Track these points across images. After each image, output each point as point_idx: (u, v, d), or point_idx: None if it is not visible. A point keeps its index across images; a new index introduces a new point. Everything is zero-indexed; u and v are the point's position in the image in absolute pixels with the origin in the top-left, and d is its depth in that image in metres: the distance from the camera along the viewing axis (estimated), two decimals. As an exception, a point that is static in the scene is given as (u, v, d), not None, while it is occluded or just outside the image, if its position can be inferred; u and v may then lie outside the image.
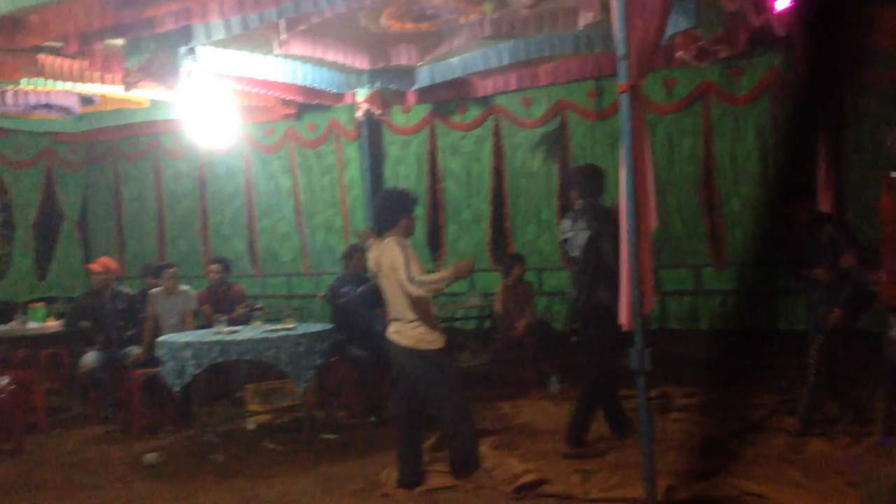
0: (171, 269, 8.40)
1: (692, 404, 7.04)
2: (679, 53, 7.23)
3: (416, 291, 5.19)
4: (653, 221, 4.85)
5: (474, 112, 9.61)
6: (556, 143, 9.18)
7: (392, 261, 5.29)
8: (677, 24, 6.73)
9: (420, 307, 5.32)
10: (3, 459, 6.83)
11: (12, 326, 9.15)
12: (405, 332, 5.36)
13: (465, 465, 5.41)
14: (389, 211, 5.47)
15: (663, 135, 8.52)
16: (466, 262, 5.29)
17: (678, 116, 8.50)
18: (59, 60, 7.25)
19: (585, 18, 6.57)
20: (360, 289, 7.77)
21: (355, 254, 8.03)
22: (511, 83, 9.11)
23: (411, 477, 5.46)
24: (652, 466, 4.76)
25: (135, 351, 8.09)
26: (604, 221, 5.87)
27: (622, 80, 4.74)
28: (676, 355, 7.63)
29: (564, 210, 9.14)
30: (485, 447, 6.04)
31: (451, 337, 8.85)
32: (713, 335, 8.23)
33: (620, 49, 4.69)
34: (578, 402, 6.10)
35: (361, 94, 9.02)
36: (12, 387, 7.25)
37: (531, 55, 7.86)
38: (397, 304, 5.37)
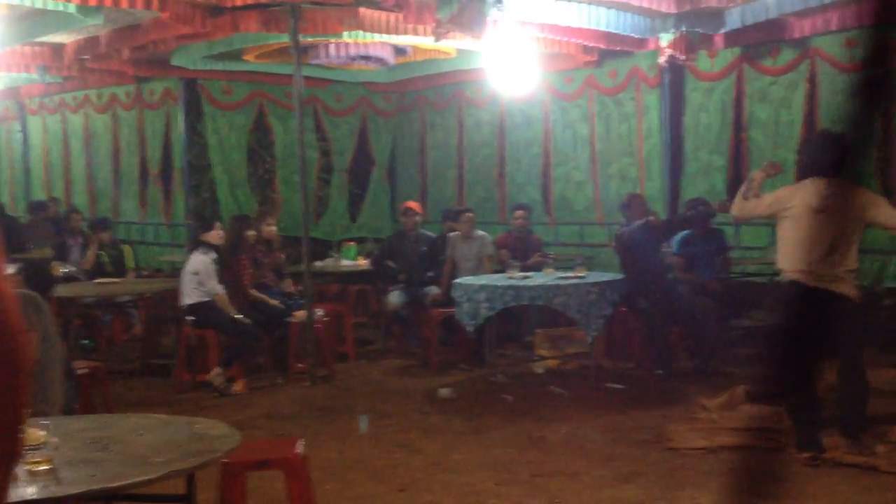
0: (468, 214, 8.72)
1: None
2: None
3: None
4: None
5: (788, 55, 8.95)
6: (881, 88, 8.34)
7: (868, 206, 5.04)
8: None
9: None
10: (317, 383, 7.50)
11: (327, 263, 9.96)
12: (848, 279, 5.13)
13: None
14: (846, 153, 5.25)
15: None
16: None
17: None
18: (377, 13, 7.68)
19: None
20: (636, 223, 7.58)
21: (634, 202, 7.87)
22: (832, 23, 8.36)
23: (812, 443, 5.12)
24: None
25: (434, 291, 8.52)
26: None
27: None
28: None
29: (882, 162, 8.34)
30: (780, 409, 5.73)
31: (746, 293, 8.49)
32: None
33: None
34: None
35: (665, 39, 8.70)
36: (326, 318, 7.92)
37: (857, -9, 7.17)
38: (846, 251, 5.09)
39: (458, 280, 7.57)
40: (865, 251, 8.42)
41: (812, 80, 8.80)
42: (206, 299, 7.31)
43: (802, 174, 5.47)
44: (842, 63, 8.54)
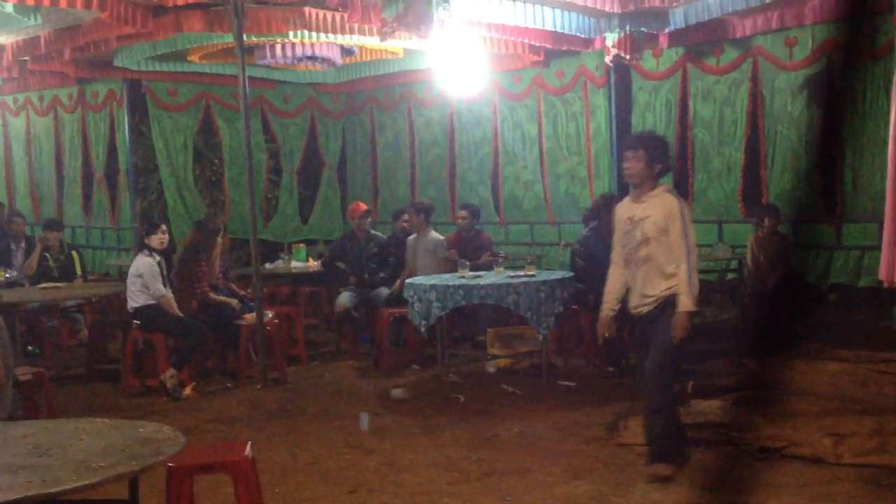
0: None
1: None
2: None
3: None
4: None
5: (730, 54, 9.10)
6: (821, 86, 8.51)
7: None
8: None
9: None
10: (268, 386, 7.42)
11: (277, 265, 9.86)
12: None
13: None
14: (655, 145, 4.91)
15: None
16: None
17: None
18: (322, 13, 7.64)
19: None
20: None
21: (613, 204, 7.83)
22: (773, 22, 8.53)
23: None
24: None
25: (385, 292, 8.48)
26: None
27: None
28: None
29: (825, 159, 8.50)
30: (729, 404, 5.84)
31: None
32: None
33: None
34: None
35: (611, 39, 8.78)
36: (277, 320, 7.84)
37: (796, -9, 7.30)
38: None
39: (409, 280, 7.55)
40: (810, 246, 8.63)
41: (754, 79, 8.95)
42: (152, 302, 7.20)
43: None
44: (783, 61, 8.70)
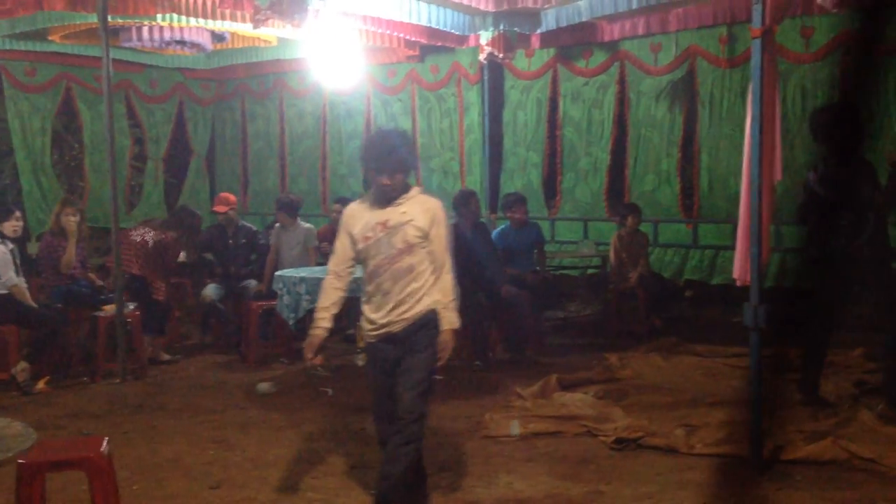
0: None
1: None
2: (819, -1, 6.84)
3: None
4: (777, 174, 4.68)
5: (599, 57, 9.37)
6: (683, 91, 8.88)
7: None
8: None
9: None
10: (128, 380, 7.19)
11: (141, 255, 9.52)
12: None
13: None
14: (412, 154, 4.33)
15: (797, 85, 8.12)
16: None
17: (815, 67, 8.07)
18: (193, -4, 7.42)
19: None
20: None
21: (472, 200, 7.97)
22: (639, 28, 8.84)
23: None
24: (759, 425, 4.65)
25: (253, 284, 8.34)
26: None
27: (755, 26, 4.56)
28: (794, 314, 7.36)
29: (685, 161, 8.89)
30: (589, 396, 6.04)
31: (561, 285, 8.77)
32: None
33: (754, -9, 4.48)
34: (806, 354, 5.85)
35: (485, 37, 8.89)
36: (138, 312, 7.60)
37: (661, -1, 7.58)
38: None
39: (278, 272, 7.46)
40: (668, 245, 8.99)
41: (621, 82, 9.26)
42: (3, 292, 6.85)
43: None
44: (648, 66, 9.03)
